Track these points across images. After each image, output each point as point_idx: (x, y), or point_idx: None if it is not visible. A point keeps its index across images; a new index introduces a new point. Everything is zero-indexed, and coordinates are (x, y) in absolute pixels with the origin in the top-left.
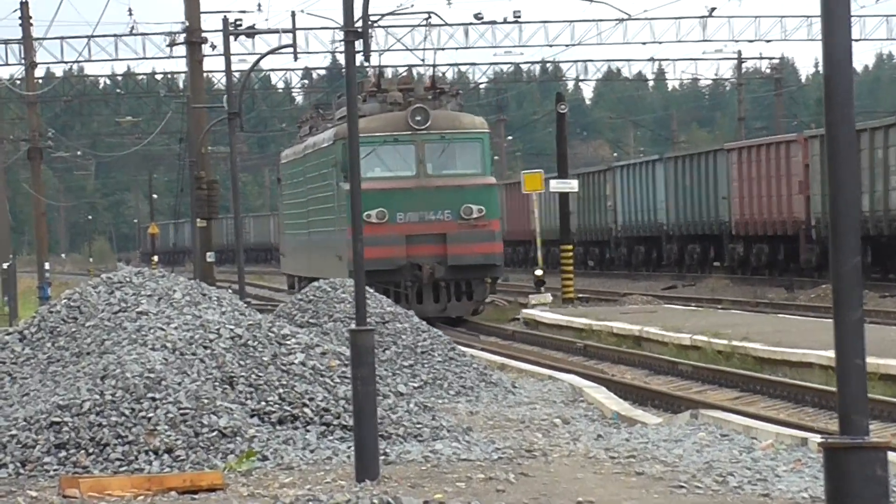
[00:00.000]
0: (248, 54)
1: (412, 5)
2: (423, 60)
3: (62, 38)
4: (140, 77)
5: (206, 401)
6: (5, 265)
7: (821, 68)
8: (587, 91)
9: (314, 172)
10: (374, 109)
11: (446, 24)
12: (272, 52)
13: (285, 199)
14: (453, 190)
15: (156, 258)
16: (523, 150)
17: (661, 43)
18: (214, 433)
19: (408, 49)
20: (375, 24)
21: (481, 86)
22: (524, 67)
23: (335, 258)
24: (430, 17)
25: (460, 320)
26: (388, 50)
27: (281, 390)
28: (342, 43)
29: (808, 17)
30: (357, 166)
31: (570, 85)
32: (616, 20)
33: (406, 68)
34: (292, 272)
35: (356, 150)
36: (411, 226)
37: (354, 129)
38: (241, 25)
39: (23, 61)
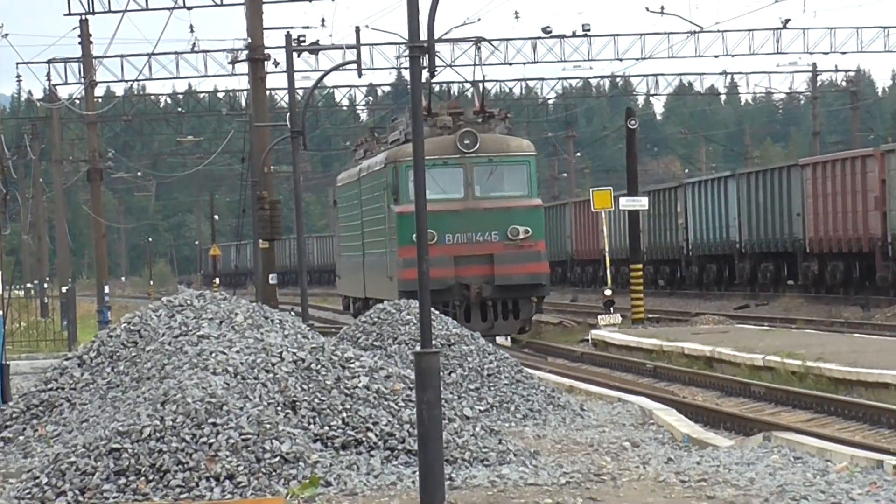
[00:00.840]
0: (312, 71)
1: (479, 19)
2: (470, 84)
3: (122, 56)
4: (201, 95)
5: (268, 426)
6: (64, 289)
7: None
8: (658, 106)
9: (368, 195)
10: (424, 133)
11: (496, 49)
12: (336, 68)
13: (341, 222)
14: (500, 211)
15: (217, 280)
16: (592, 166)
17: (733, 56)
18: (277, 458)
19: (451, 66)
20: (442, 39)
21: (549, 101)
22: (593, 82)
23: (387, 279)
24: (479, 42)
25: (527, 342)
26: (453, 65)
27: (344, 414)
28: (407, 58)
29: (884, 27)
30: (422, 185)
31: (641, 100)
32: (687, 33)
33: (471, 84)
34: (347, 293)
35: (421, 168)
36: (459, 247)
37: (420, 145)
38: (304, 41)
39: (82, 80)
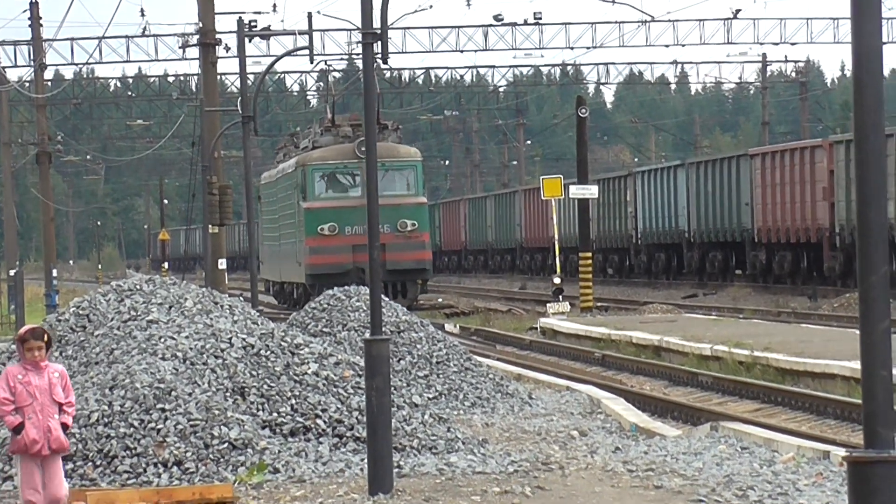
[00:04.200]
0: (263, 56)
1: (431, 6)
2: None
3: (72, 39)
4: (152, 79)
5: (216, 412)
6: (12, 272)
7: (847, 72)
8: (608, 94)
9: (283, 193)
10: (328, 141)
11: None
12: (288, 54)
13: (263, 216)
14: (391, 208)
15: (166, 265)
16: (543, 154)
17: (684, 45)
18: (225, 445)
19: (402, 53)
20: (393, 27)
21: (500, 88)
22: (544, 70)
23: (297, 264)
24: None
25: (476, 330)
26: (405, 52)
27: (293, 401)
28: (359, 45)
29: (834, 19)
30: (374, 179)
31: (591, 88)
32: (638, 22)
33: (423, 71)
34: (268, 278)
35: (373, 163)
36: (357, 237)
37: (372, 131)
38: (255, 27)
39: (32, 63)
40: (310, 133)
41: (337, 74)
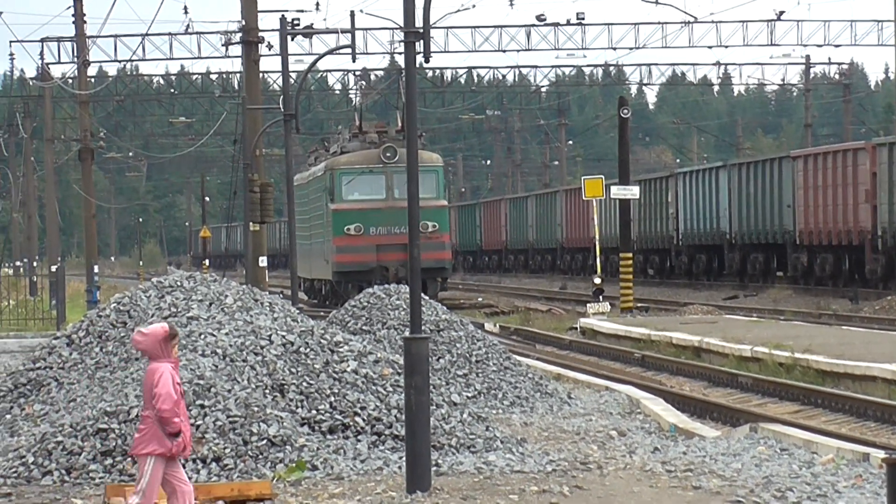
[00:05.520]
0: (305, 54)
1: (473, 6)
2: (355, 107)
3: (116, 36)
4: (194, 77)
5: (255, 408)
6: (53, 268)
7: (891, 74)
8: (650, 95)
9: (313, 195)
10: (355, 147)
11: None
12: (330, 52)
13: (297, 216)
14: None
15: (207, 262)
16: (584, 155)
17: (727, 47)
18: (264, 442)
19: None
20: (436, 26)
21: (542, 89)
22: (587, 70)
23: (325, 262)
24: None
25: (516, 329)
26: (447, 51)
27: (332, 399)
28: (402, 44)
29: (878, 21)
30: (415, 179)
31: (634, 89)
32: (681, 23)
33: (466, 70)
34: (299, 274)
35: (415, 163)
36: (381, 237)
37: (413, 130)
38: (298, 25)
39: (76, 60)
40: (339, 138)
41: (380, 73)
